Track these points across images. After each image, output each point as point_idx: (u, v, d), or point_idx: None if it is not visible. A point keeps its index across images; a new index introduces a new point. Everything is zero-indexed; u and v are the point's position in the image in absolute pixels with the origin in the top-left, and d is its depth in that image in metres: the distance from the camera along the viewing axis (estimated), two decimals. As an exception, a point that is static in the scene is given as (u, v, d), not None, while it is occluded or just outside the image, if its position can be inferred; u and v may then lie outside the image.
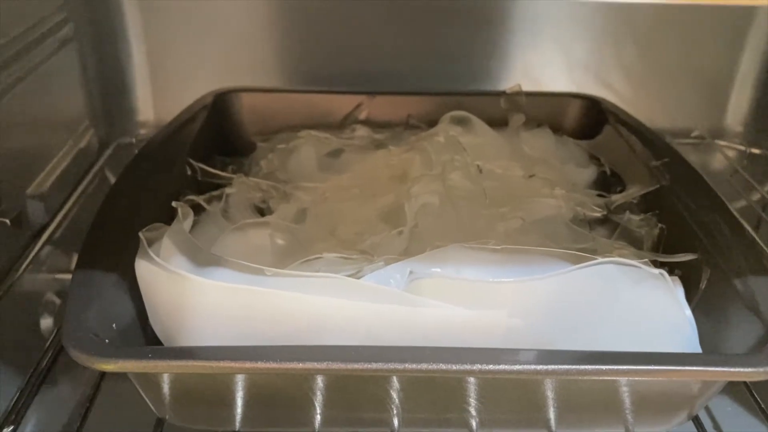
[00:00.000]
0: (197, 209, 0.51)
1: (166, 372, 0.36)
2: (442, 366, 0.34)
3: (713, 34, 0.76)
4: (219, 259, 0.39)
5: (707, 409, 0.48)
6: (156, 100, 0.77)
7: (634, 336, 0.39)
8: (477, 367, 0.34)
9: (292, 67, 0.76)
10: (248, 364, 0.34)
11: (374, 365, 0.34)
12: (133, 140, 0.75)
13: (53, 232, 0.59)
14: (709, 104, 0.80)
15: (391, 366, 0.34)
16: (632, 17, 0.75)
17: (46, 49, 0.61)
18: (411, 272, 0.39)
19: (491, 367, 0.34)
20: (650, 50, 0.77)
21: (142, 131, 0.77)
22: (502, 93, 0.67)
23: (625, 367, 0.35)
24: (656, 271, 0.40)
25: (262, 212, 0.53)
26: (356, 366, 0.34)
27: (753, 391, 0.47)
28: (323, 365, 0.34)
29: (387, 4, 0.73)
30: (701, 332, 0.42)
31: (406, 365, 0.34)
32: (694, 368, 0.35)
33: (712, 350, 0.41)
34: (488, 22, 0.75)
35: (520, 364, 0.34)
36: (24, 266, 0.53)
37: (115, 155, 0.73)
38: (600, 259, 0.39)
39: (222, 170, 0.58)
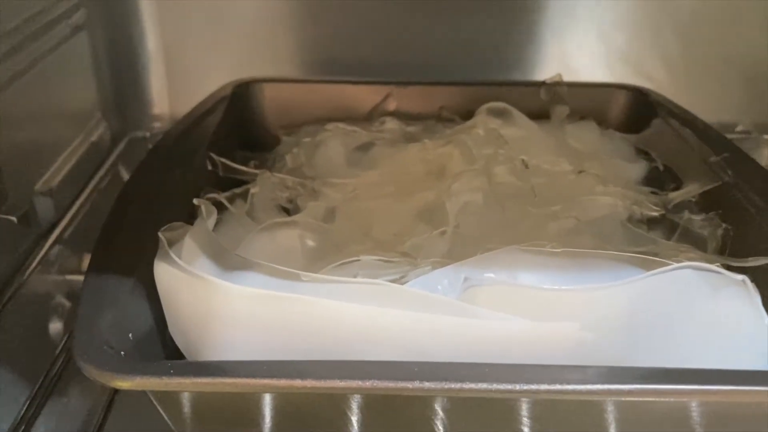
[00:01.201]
0: (219, 208, 0.47)
1: (189, 390, 0.32)
2: (506, 386, 0.30)
3: (758, 23, 0.72)
4: (248, 262, 0.35)
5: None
6: (171, 93, 0.74)
7: (712, 349, 0.35)
8: (544, 387, 0.30)
9: (313, 56, 0.73)
10: (283, 382, 0.30)
11: (427, 384, 0.30)
12: (147, 134, 0.72)
13: (63, 231, 0.55)
14: (754, 97, 0.75)
15: (447, 386, 0.30)
16: (673, 4, 0.71)
17: (56, 36, 0.58)
18: (466, 278, 0.34)
19: (560, 387, 0.30)
20: (692, 40, 0.72)
21: (157, 125, 0.73)
22: (542, 83, 0.63)
23: (706, 387, 0.31)
24: (739, 277, 0.36)
25: (288, 212, 0.49)
26: (407, 385, 0.30)
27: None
28: (368, 384, 0.30)
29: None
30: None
31: (463, 385, 0.30)
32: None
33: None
34: (522, 8, 0.71)
35: (592, 383, 0.30)
36: (32, 267, 0.50)
37: (128, 150, 0.70)
38: (676, 264, 0.35)
39: (244, 165, 0.54)
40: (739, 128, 0.75)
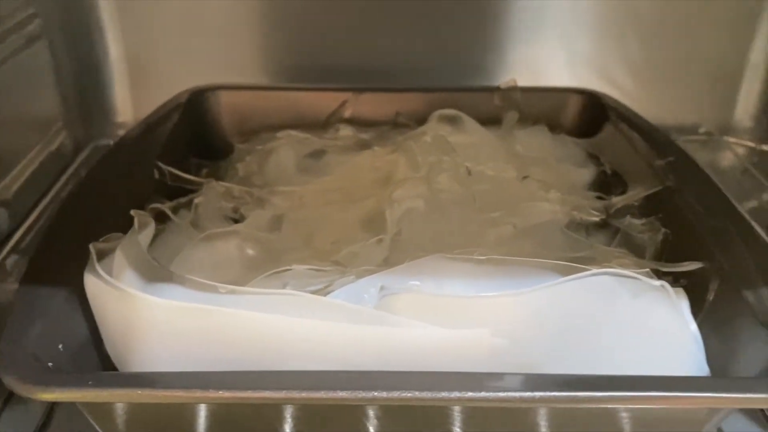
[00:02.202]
0: (165, 217, 0.48)
1: (107, 401, 0.32)
2: (416, 394, 0.30)
3: (721, 25, 0.72)
4: (171, 274, 0.35)
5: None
6: (135, 100, 0.74)
7: (634, 355, 0.35)
8: (455, 395, 0.30)
9: (277, 63, 0.73)
10: (197, 393, 0.30)
11: (339, 394, 0.30)
12: (111, 141, 0.72)
13: (20, 240, 0.55)
14: (717, 99, 0.76)
15: (359, 395, 0.30)
16: (635, 8, 0.71)
17: (10, 47, 0.58)
18: (382, 287, 0.35)
19: (471, 394, 0.30)
20: (654, 43, 0.73)
21: (121, 132, 0.73)
22: (496, 88, 0.63)
23: (622, 393, 0.31)
24: (657, 282, 0.36)
25: (236, 221, 0.50)
26: (318, 395, 0.30)
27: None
28: (280, 394, 0.30)
29: (377, -3, 0.70)
30: (709, 349, 0.38)
31: (375, 393, 0.30)
32: (701, 395, 0.31)
33: (720, 369, 0.37)
34: (485, 13, 0.71)
35: (503, 391, 0.30)
36: (-13, 276, 0.50)
37: (91, 158, 0.70)
38: (594, 270, 0.35)
39: (197, 174, 0.55)
40: (702, 130, 0.76)
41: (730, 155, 0.75)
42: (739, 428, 0.44)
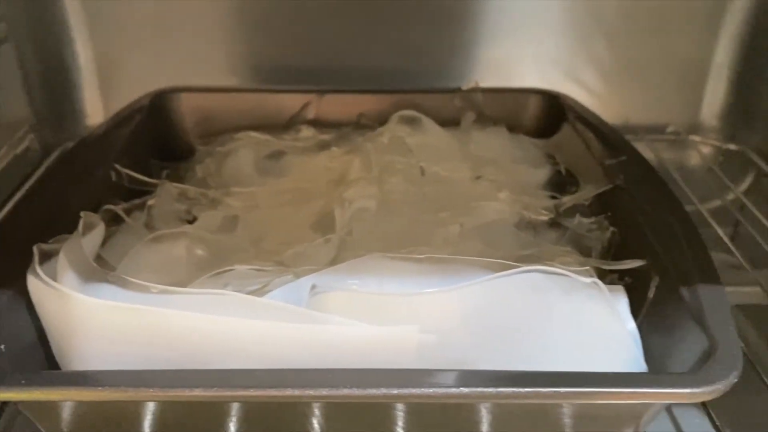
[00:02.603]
0: (122, 219, 0.48)
1: (40, 399, 0.32)
2: (345, 391, 0.31)
3: (687, 25, 0.72)
4: (108, 275, 0.36)
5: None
6: (105, 102, 0.74)
7: (568, 351, 0.36)
8: (382, 391, 0.31)
9: (246, 64, 0.73)
10: (130, 392, 0.31)
11: (269, 392, 0.31)
12: (79, 144, 0.72)
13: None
14: (683, 98, 0.76)
15: (288, 392, 0.31)
16: (602, 9, 0.72)
17: (-26, 50, 0.58)
18: (314, 286, 0.35)
19: (396, 391, 0.31)
20: (621, 43, 0.73)
21: (91, 135, 0.74)
22: (458, 90, 0.64)
23: (544, 389, 0.31)
24: (588, 279, 0.37)
25: (191, 222, 0.50)
26: (248, 393, 0.31)
27: (708, 407, 0.44)
28: (209, 392, 0.30)
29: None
30: (651, 346, 0.39)
31: (303, 391, 0.31)
32: (623, 390, 0.31)
33: (659, 367, 0.38)
34: (454, 16, 0.71)
35: (430, 387, 0.31)
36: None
37: (59, 160, 0.70)
38: (524, 267, 0.36)
39: (158, 176, 0.55)
40: (669, 129, 0.76)
41: (696, 155, 0.75)
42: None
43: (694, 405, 0.45)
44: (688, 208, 0.63)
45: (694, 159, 0.76)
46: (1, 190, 0.61)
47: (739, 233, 0.69)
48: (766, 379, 0.45)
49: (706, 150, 0.75)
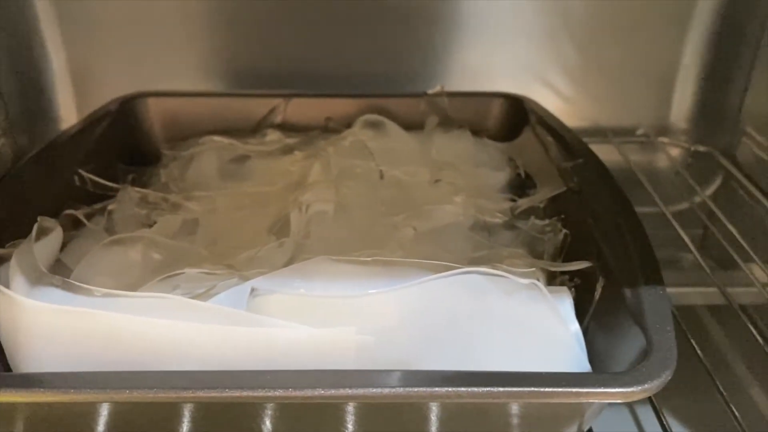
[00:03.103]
0: (83, 223, 0.49)
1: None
2: (280, 392, 0.31)
3: (653, 28, 0.73)
4: (53, 279, 0.37)
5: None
6: (79, 107, 0.75)
7: (508, 352, 0.37)
8: (318, 392, 0.31)
9: (219, 69, 0.73)
10: (72, 394, 0.31)
11: (206, 393, 0.31)
12: (54, 149, 0.73)
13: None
14: (653, 101, 0.77)
15: (225, 393, 0.31)
16: (569, 12, 0.72)
17: (-56, 57, 0.59)
18: (253, 289, 0.36)
19: (332, 392, 0.31)
20: (589, 46, 0.74)
21: (65, 139, 0.74)
22: (423, 94, 0.64)
23: (474, 389, 0.32)
24: (527, 280, 0.37)
25: (151, 227, 0.51)
26: (184, 394, 0.31)
27: (656, 405, 0.44)
28: (149, 394, 0.31)
29: (316, 3, 0.71)
30: (596, 347, 0.40)
31: (241, 392, 0.31)
32: (548, 389, 0.32)
33: (601, 367, 0.38)
34: (423, 20, 0.72)
35: (362, 387, 0.31)
36: None
37: (31, 165, 0.71)
38: (463, 269, 0.36)
39: (124, 180, 0.56)
40: (639, 132, 0.77)
41: (664, 157, 0.76)
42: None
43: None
44: (654, 210, 0.64)
45: (662, 161, 0.77)
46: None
47: (707, 235, 0.70)
48: (715, 378, 0.46)
49: (674, 152, 0.76)
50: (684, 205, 0.72)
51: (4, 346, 0.38)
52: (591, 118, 0.77)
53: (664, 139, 0.77)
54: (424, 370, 0.33)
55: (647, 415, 0.48)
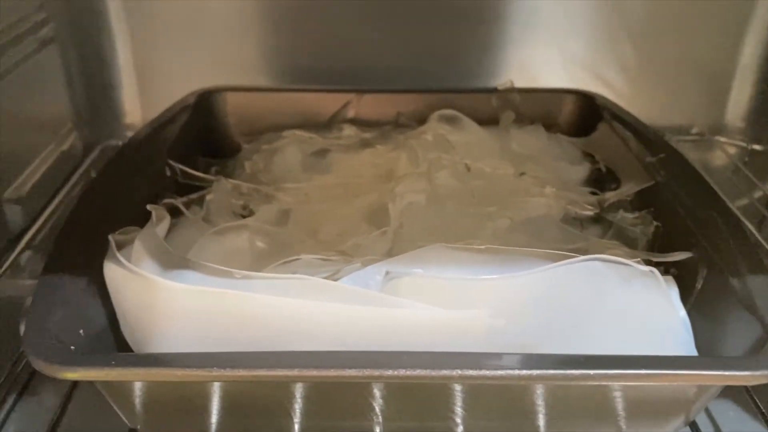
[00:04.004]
0: (176, 212, 0.50)
1: (129, 380, 0.34)
2: (420, 372, 0.32)
3: (712, 27, 0.74)
4: (188, 262, 0.37)
5: (707, 413, 0.46)
6: (143, 101, 0.76)
7: (624, 336, 0.37)
8: (456, 372, 0.32)
9: (281, 64, 0.75)
10: (215, 372, 0.32)
11: (348, 371, 0.32)
12: (119, 142, 0.74)
13: (33, 237, 0.57)
14: (708, 100, 0.78)
15: (366, 372, 0.32)
16: (628, 12, 0.73)
17: (24, 50, 0.60)
18: (387, 272, 0.37)
19: (471, 372, 0.32)
20: (647, 45, 0.75)
21: (129, 133, 0.75)
22: (494, 90, 0.65)
23: (612, 371, 0.33)
24: (646, 268, 0.38)
25: (244, 217, 0.52)
26: (329, 373, 0.32)
27: (753, 395, 0.45)
28: (294, 372, 0.32)
29: (377, 0, 0.72)
30: (698, 334, 0.40)
31: (382, 371, 0.32)
32: (687, 372, 0.33)
33: (708, 353, 0.39)
34: (481, 17, 0.73)
35: (501, 369, 0.32)
36: (2, 271, 0.52)
37: (101, 158, 0.72)
38: (586, 256, 0.37)
39: (205, 172, 0.57)
40: (694, 130, 0.78)
41: (721, 155, 0.76)
42: (732, 416, 0.46)
43: (730, 398, 0.46)
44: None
45: (719, 159, 0.77)
46: (49, 186, 0.63)
47: (764, 230, 0.70)
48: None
49: (731, 150, 0.77)
50: (744, 201, 0.72)
51: (129, 327, 0.38)
52: (646, 115, 0.77)
53: (721, 138, 0.77)
54: (556, 354, 0.34)
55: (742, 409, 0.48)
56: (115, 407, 0.38)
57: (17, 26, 0.59)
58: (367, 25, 0.73)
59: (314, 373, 0.32)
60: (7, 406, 0.45)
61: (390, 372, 0.32)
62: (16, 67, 0.58)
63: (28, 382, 0.47)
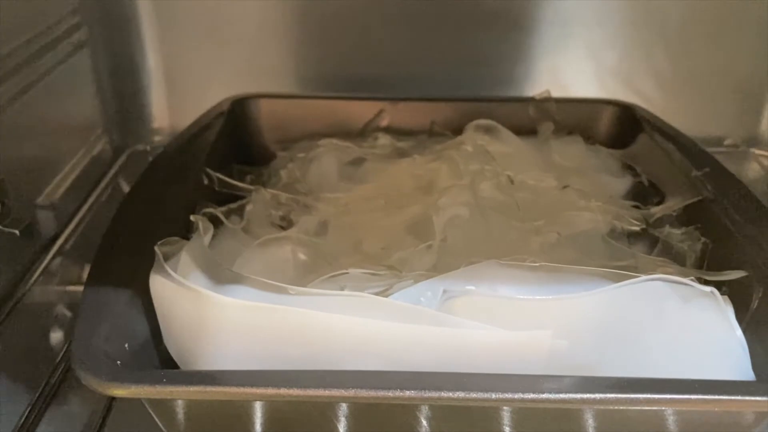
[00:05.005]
0: (214, 221, 0.49)
1: (182, 398, 0.33)
2: (482, 395, 0.31)
3: (747, 37, 0.73)
4: (240, 276, 0.37)
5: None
6: (171, 107, 0.76)
7: (683, 358, 0.36)
8: (519, 396, 0.31)
9: (310, 72, 0.74)
10: (270, 391, 0.31)
11: (406, 393, 0.31)
12: (148, 147, 0.74)
13: (64, 243, 0.57)
14: (742, 111, 0.77)
15: (425, 394, 0.31)
16: (662, 22, 0.73)
17: (58, 54, 0.60)
18: (445, 291, 0.36)
19: (534, 396, 0.31)
20: (681, 55, 0.74)
21: (157, 138, 0.75)
22: (531, 99, 0.64)
23: (676, 396, 0.32)
24: (707, 288, 0.37)
25: (282, 227, 0.51)
26: (386, 394, 0.31)
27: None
28: (350, 392, 0.31)
29: (408, 6, 0.71)
30: (753, 356, 0.39)
31: (441, 393, 0.31)
32: (749, 398, 0.32)
33: (765, 375, 0.38)
34: (514, 25, 0.72)
35: (563, 393, 0.31)
36: (34, 278, 0.52)
37: (129, 163, 0.72)
38: (647, 276, 0.36)
39: (240, 180, 0.56)
40: (727, 142, 0.77)
41: (756, 167, 0.76)
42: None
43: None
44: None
45: (753, 171, 0.76)
46: (80, 191, 0.62)
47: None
48: None
49: (766, 163, 0.76)
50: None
51: (175, 342, 0.38)
52: (679, 125, 0.76)
53: (756, 150, 0.76)
54: (619, 377, 0.33)
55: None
56: (160, 424, 0.37)
57: (53, 29, 0.58)
58: (399, 31, 0.72)
59: (370, 393, 0.32)
60: (46, 415, 0.44)
61: (450, 395, 0.31)
62: (51, 71, 0.58)
63: (58, 392, 0.46)
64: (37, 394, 0.45)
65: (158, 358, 0.39)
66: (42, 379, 0.46)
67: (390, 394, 0.31)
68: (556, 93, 0.67)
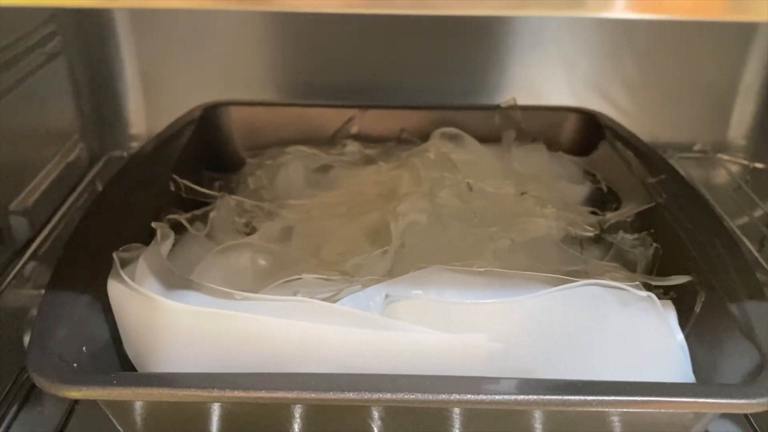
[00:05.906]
0: (180, 227, 0.50)
1: (132, 399, 0.34)
2: (418, 396, 0.33)
3: (715, 47, 0.74)
4: (191, 282, 0.38)
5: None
6: (148, 114, 0.76)
7: (622, 361, 0.38)
8: (454, 397, 0.33)
9: (286, 79, 0.75)
10: (215, 393, 0.33)
11: (347, 395, 0.33)
12: (125, 153, 0.75)
13: (38, 248, 0.58)
14: (711, 118, 0.78)
15: (365, 396, 0.33)
16: (632, 31, 0.74)
17: (32, 63, 0.60)
18: (387, 295, 0.37)
19: (469, 397, 0.33)
20: (651, 64, 0.75)
21: (134, 144, 0.76)
22: (496, 107, 0.66)
23: (611, 398, 0.33)
24: (644, 293, 0.38)
25: (247, 233, 0.52)
26: (328, 396, 0.33)
27: (751, 419, 0.45)
28: (293, 394, 0.33)
29: (382, 15, 0.72)
30: (695, 359, 0.41)
31: (380, 395, 0.33)
32: (683, 399, 0.33)
33: (706, 378, 0.39)
34: (487, 34, 0.73)
35: (499, 394, 0.33)
36: (7, 282, 0.53)
37: (106, 169, 0.73)
38: (584, 281, 0.38)
39: (209, 186, 0.57)
40: (697, 147, 0.78)
41: (723, 173, 0.77)
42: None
43: (731, 420, 0.46)
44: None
45: (720, 177, 0.78)
46: (55, 197, 0.63)
47: (765, 249, 0.70)
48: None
49: (733, 168, 0.77)
50: (744, 219, 0.72)
51: (131, 345, 0.39)
52: (649, 132, 0.77)
53: (723, 155, 0.77)
54: (555, 380, 0.34)
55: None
56: (117, 424, 0.38)
57: (25, 40, 0.59)
58: (372, 40, 0.73)
59: (313, 395, 0.33)
60: (9, 417, 0.45)
61: (388, 396, 0.33)
62: (24, 80, 0.59)
63: (30, 394, 0.47)
64: (7, 396, 0.46)
65: (119, 362, 0.40)
66: (12, 381, 0.47)
67: (331, 395, 0.33)
68: (528, 101, 0.68)
